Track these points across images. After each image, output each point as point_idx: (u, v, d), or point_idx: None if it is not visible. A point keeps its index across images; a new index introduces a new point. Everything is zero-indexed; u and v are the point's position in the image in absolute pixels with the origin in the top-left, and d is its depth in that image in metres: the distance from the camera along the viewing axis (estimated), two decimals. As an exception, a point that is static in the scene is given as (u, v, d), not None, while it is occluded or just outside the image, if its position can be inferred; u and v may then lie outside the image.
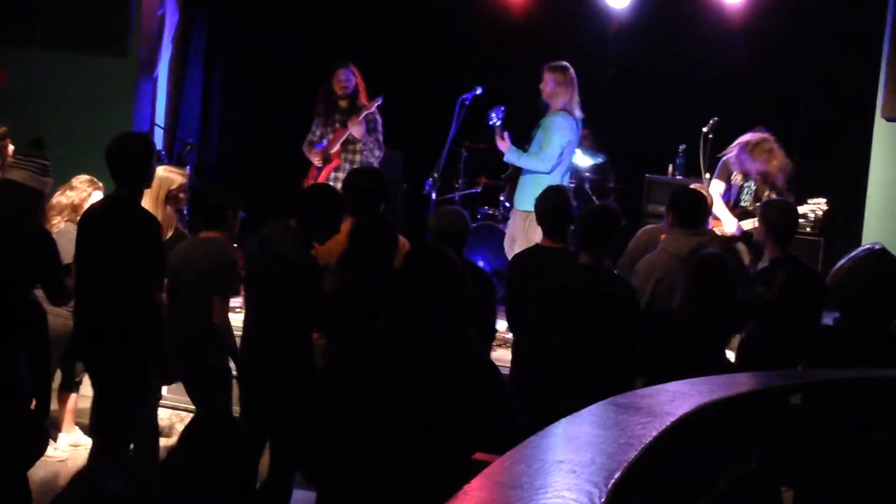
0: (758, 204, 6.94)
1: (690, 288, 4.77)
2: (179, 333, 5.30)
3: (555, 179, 7.46)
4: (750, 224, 7.05)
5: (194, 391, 5.53)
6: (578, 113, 7.63)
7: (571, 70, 7.60)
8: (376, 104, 7.91)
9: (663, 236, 5.97)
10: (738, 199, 7.27)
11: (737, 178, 7.23)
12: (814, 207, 7.04)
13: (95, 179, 6.27)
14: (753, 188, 7.21)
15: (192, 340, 5.34)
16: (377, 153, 7.96)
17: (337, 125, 7.98)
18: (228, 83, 10.22)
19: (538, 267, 5.38)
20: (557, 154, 7.52)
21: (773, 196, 7.03)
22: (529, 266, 5.60)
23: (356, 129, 7.81)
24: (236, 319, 5.73)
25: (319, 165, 7.93)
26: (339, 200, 5.35)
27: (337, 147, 7.91)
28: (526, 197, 7.55)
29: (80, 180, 6.26)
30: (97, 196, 6.21)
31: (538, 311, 5.14)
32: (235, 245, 5.74)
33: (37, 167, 5.11)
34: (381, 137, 7.97)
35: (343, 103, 7.94)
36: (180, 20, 9.28)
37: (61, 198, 6.15)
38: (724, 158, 7.30)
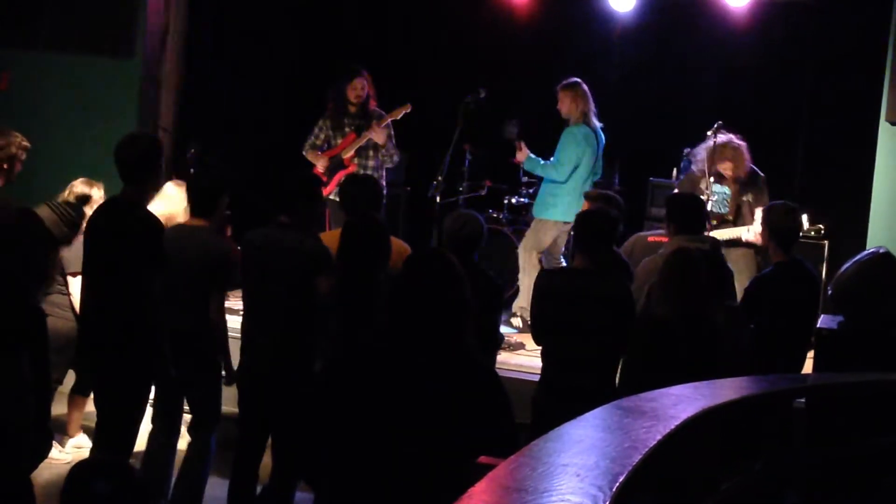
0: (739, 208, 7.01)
1: (663, 285, 4.79)
2: (172, 326, 5.17)
3: (573, 188, 7.65)
4: (728, 234, 7.06)
5: (187, 388, 5.50)
6: (596, 123, 7.79)
7: (583, 85, 7.78)
8: (402, 113, 7.90)
9: (650, 239, 5.99)
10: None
11: (703, 184, 7.20)
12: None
13: (89, 180, 6.30)
14: (728, 193, 7.20)
15: (185, 334, 5.25)
16: (395, 158, 7.99)
17: (347, 130, 7.95)
18: (233, 86, 10.22)
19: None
20: (572, 164, 7.67)
21: (750, 198, 7.06)
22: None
23: (379, 136, 7.80)
24: (234, 321, 5.69)
25: (325, 169, 7.89)
26: (313, 181, 5.41)
27: (351, 153, 7.90)
28: (540, 205, 7.89)
29: (89, 188, 6.24)
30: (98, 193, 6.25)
31: (535, 316, 5.22)
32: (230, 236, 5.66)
33: (67, 218, 5.65)
34: (394, 142, 7.99)
35: (353, 109, 7.93)
36: (185, 22, 9.28)
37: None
38: (689, 172, 7.38)
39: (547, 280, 5.45)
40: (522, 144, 7.89)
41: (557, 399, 5.03)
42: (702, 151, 7.22)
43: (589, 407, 4.90)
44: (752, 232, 6.87)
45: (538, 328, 5.31)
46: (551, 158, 7.79)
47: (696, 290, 4.73)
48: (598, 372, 5.02)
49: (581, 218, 5.35)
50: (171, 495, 5.43)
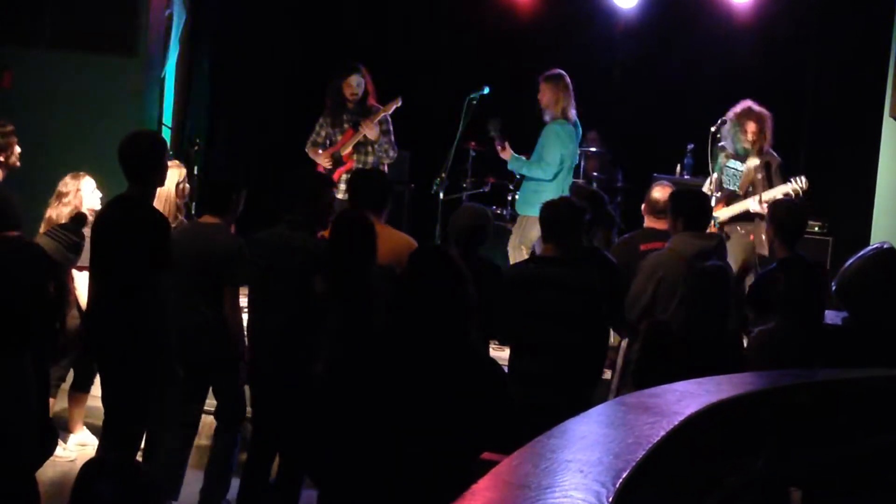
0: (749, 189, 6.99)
1: (690, 299, 4.79)
2: (185, 322, 5.21)
3: (557, 184, 7.57)
4: (735, 209, 7.04)
5: (213, 382, 5.51)
6: (574, 116, 7.70)
7: (566, 77, 7.69)
8: (394, 107, 7.86)
9: (643, 247, 5.98)
10: (720, 181, 7.24)
11: (722, 159, 7.24)
12: (796, 187, 6.96)
13: (77, 174, 6.29)
14: (740, 169, 7.17)
15: (201, 329, 5.28)
16: (391, 154, 7.92)
17: (346, 126, 7.92)
18: (236, 83, 10.22)
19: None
20: (557, 162, 7.61)
21: (761, 175, 7.03)
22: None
23: (371, 132, 7.76)
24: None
25: (328, 167, 7.87)
26: (319, 179, 5.41)
27: (349, 149, 7.87)
28: (524, 202, 7.79)
29: (66, 183, 6.26)
30: (88, 184, 6.24)
31: (501, 305, 5.23)
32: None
33: (68, 243, 5.44)
34: (393, 138, 7.95)
35: (351, 105, 7.90)
36: (188, 19, 9.29)
37: (61, 209, 6.16)
38: (719, 145, 7.37)
39: (512, 269, 5.57)
40: (506, 143, 7.83)
41: (516, 387, 5.05)
42: (727, 126, 7.21)
43: (545, 398, 4.93)
44: (757, 202, 6.88)
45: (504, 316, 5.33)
46: (532, 156, 7.71)
47: (719, 310, 4.76)
48: (558, 359, 5.05)
49: (545, 208, 5.37)
50: (201, 490, 5.46)
